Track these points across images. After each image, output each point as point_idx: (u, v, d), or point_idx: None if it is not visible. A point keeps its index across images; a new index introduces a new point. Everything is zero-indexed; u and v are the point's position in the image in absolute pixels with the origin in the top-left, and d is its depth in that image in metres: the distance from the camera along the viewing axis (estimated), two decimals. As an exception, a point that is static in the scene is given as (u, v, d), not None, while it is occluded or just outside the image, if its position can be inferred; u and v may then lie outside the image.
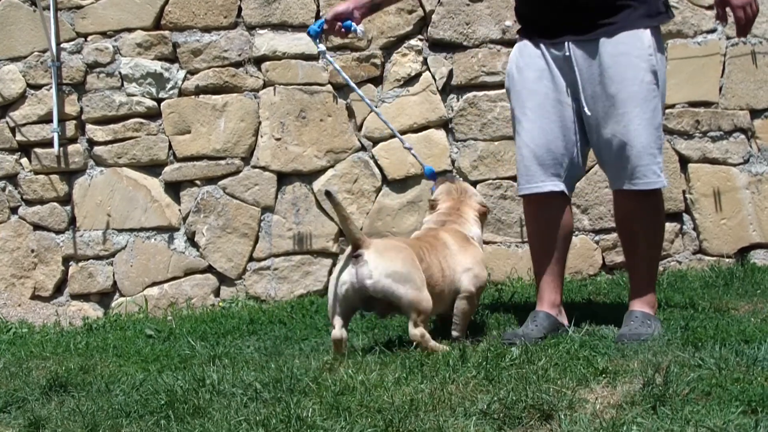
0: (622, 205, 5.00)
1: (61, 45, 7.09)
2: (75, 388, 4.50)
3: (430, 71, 7.02)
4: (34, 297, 7.11)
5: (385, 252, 4.58)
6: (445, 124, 7.03)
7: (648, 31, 4.86)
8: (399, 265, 4.54)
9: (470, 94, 6.98)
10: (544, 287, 5.04)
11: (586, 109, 4.87)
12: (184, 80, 7.05)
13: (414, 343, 4.49)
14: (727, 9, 4.87)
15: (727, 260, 6.96)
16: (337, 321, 4.59)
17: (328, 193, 4.52)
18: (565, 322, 5.01)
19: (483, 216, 5.31)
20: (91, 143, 7.06)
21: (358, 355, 4.48)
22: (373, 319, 5.57)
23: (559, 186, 4.97)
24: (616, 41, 4.82)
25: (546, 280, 5.03)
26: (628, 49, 4.81)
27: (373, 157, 7.02)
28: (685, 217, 7.06)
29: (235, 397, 3.88)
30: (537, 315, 4.96)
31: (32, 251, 7.09)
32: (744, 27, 4.87)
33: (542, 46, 4.97)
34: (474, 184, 6.93)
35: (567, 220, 5.10)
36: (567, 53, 4.88)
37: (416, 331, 4.49)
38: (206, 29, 7.07)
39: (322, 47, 5.46)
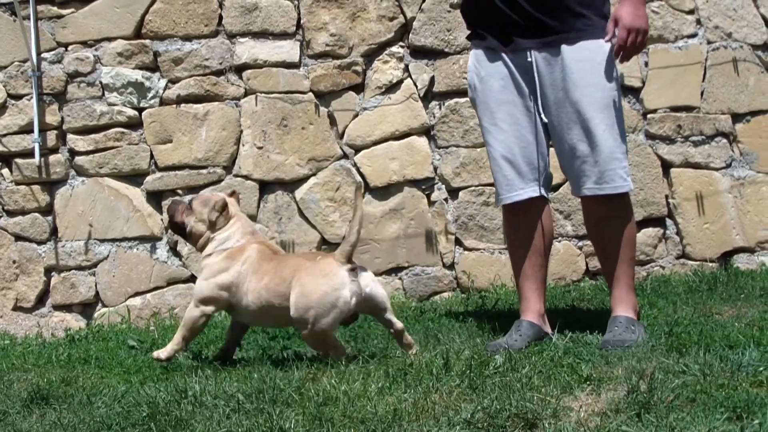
0: (593, 210, 5.01)
1: (42, 55, 7.06)
2: (56, 400, 4.48)
3: (411, 78, 7.01)
4: (16, 308, 7.07)
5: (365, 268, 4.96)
6: (427, 131, 7.02)
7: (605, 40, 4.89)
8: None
9: (452, 101, 6.98)
10: (528, 295, 5.03)
11: (542, 116, 4.92)
12: (165, 89, 7.03)
13: (401, 331, 4.82)
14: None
15: (710, 265, 6.96)
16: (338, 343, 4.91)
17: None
18: (549, 330, 5.00)
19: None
20: (73, 153, 7.03)
21: (341, 365, 4.46)
22: (355, 328, 5.56)
23: (537, 191, 4.98)
24: (579, 47, 4.84)
25: (530, 288, 5.03)
26: (591, 55, 4.83)
27: (355, 165, 7.01)
28: (668, 221, 7.06)
29: (218, 409, 3.86)
30: (521, 324, 4.95)
31: (14, 262, 7.05)
32: (624, 50, 4.85)
33: (503, 54, 4.97)
34: (456, 191, 6.94)
35: (548, 225, 5.11)
36: (529, 59, 4.89)
37: (401, 323, 4.90)
38: (187, 38, 7.04)
39: None
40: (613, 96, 4.86)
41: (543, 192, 5.01)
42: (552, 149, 5.11)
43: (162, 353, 5.13)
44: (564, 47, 4.84)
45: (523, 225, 5.07)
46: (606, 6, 5.00)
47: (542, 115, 4.90)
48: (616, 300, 4.96)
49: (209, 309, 5.10)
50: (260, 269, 4.97)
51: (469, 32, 5.24)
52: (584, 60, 4.82)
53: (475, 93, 5.09)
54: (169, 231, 6.83)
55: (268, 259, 5.01)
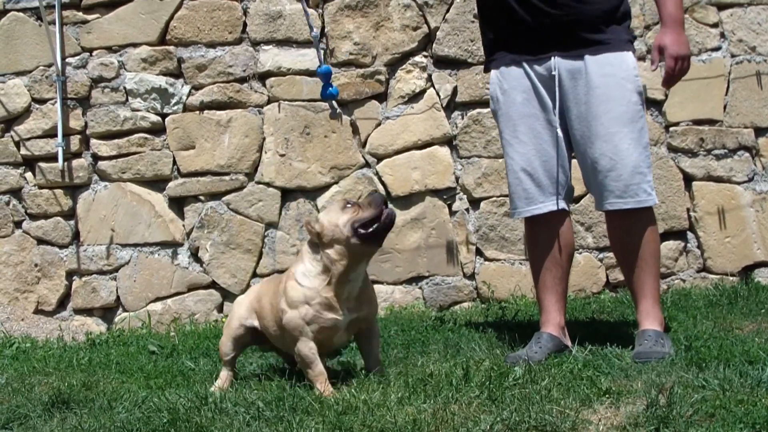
0: (617, 225, 4.99)
1: (66, 59, 7.11)
2: (77, 404, 4.49)
3: (434, 88, 7.02)
4: (38, 311, 7.11)
5: None
6: (449, 141, 7.03)
7: (630, 53, 4.91)
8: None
9: (474, 111, 6.99)
10: (549, 308, 5.02)
11: (558, 130, 4.90)
12: (188, 95, 7.06)
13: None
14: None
15: (731, 278, 6.94)
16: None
17: None
18: (569, 343, 4.99)
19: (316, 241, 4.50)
20: (96, 158, 7.07)
21: (361, 375, 4.47)
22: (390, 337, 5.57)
23: (559, 204, 4.97)
24: (602, 61, 4.83)
25: (550, 300, 5.02)
26: (614, 70, 4.83)
27: (377, 174, 7.02)
28: (689, 235, 7.05)
29: (238, 416, 3.87)
30: (541, 336, 4.94)
31: (36, 265, 7.09)
32: (671, 78, 4.89)
33: (525, 65, 4.97)
34: (478, 201, 6.94)
35: (569, 238, 5.09)
36: (553, 72, 4.89)
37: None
38: (211, 45, 7.08)
39: None
40: (636, 110, 4.85)
41: (564, 205, 5.00)
42: (574, 162, 5.11)
43: None
44: (588, 59, 4.84)
45: (543, 238, 5.07)
46: (627, 21, 5.01)
47: (558, 129, 4.90)
48: (642, 314, 4.93)
49: None
50: None
51: (487, 47, 5.22)
52: (608, 74, 4.82)
53: (498, 105, 5.09)
54: (191, 237, 6.86)
55: None
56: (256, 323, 4.66)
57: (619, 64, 4.85)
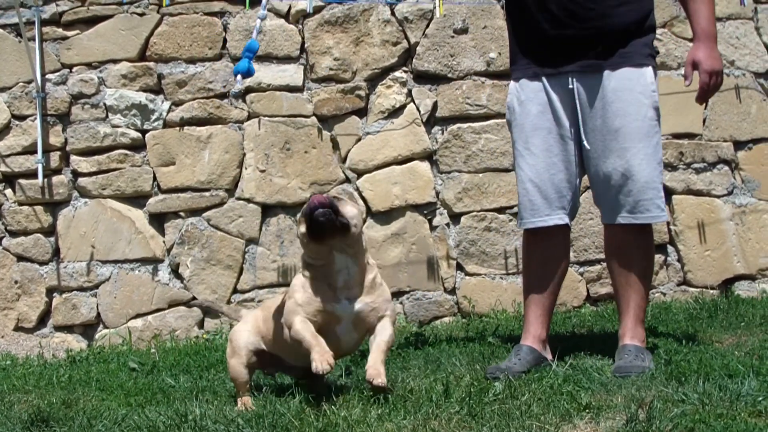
0: (617, 238, 4.99)
1: (46, 76, 7.10)
2: (57, 423, 4.45)
3: (414, 103, 7.04)
4: (18, 328, 7.08)
5: None
6: (429, 156, 7.04)
7: (650, 68, 4.91)
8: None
9: (454, 126, 7.00)
10: (532, 320, 5.02)
11: (585, 143, 4.90)
12: (168, 111, 7.06)
13: None
14: (696, 72, 4.91)
15: (711, 291, 6.97)
16: None
17: None
18: (549, 356, 4.99)
19: None
20: (76, 174, 7.06)
21: (341, 391, 4.46)
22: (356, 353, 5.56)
23: (564, 219, 4.98)
24: (620, 76, 4.83)
25: (535, 313, 5.02)
26: (631, 85, 4.83)
27: (357, 189, 7.03)
28: (669, 248, 7.07)
29: (218, 434, 3.86)
30: (521, 349, 4.94)
31: (16, 282, 7.06)
32: (706, 93, 4.93)
33: (544, 79, 4.97)
34: (458, 216, 6.95)
35: (565, 254, 5.11)
36: (570, 86, 4.90)
37: None
38: (191, 60, 7.08)
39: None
40: (652, 125, 4.86)
41: (567, 220, 5.02)
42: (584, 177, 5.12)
43: None
44: (606, 73, 4.84)
45: (540, 250, 5.07)
46: (650, 35, 5.01)
47: (585, 142, 4.90)
48: (624, 330, 4.93)
49: None
50: None
51: (511, 57, 5.23)
52: (624, 89, 4.83)
53: (513, 116, 5.09)
54: (171, 253, 6.86)
55: None
56: (262, 345, 4.62)
57: (637, 79, 4.85)
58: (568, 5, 4.87)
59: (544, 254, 5.06)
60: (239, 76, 5.33)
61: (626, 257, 4.95)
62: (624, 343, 4.87)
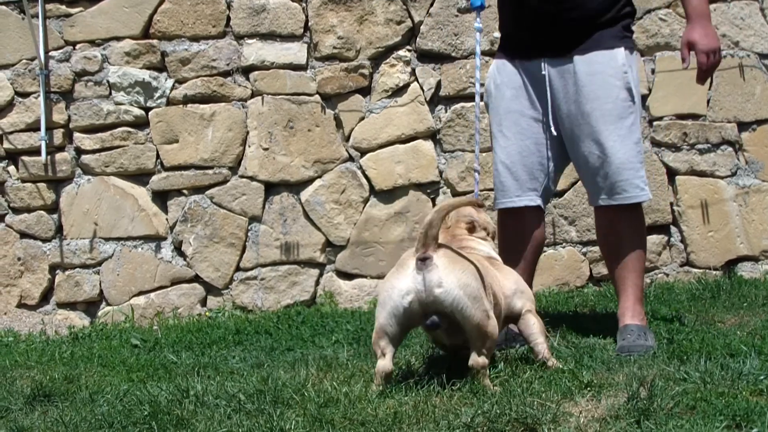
0: (604, 220, 5.02)
1: (50, 53, 7.08)
2: (59, 398, 4.48)
3: (418, 82, 7.02)
4: (21, 305, 7.09)
5: (457, 260, 3.94)
6: (432, 135, 7.03)
7: (621, 49, 4.94)
8: (472, 279, 3.91)
9: (458, 105, 6.99)
10: None
11: (552, 129, 4.97)
12: (172, 89, 7.04)
13: (472, 372, 3.91)
14: (692, 52, 4.92)
15: (714, 273, 6.95)
16: (388, 348, 3.97)
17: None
18: None
19: (485, 230, 4.56)
20: (79, 152, 7.05)
21: (343, 367, 4.47)
22: (358, 330, 5.57)
23: (535, 201, 5.02)
24: (590, 60, 4.89)
25: None
26: (602, 68, 4.88)
27: (360, 168, 7.02)
28: (673, 229, 7.06)
29: (219, 409, 3.86)
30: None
31: (19, 259, 7.06)
32: (705, 73, 4.93)
33: (517, 62, 5.01)
34: (461, 195, 6.93)
35: (539, 235, 5.14)
36: (543, 72, 4.93)
37: (480, 360, 3.89)
38: (195, 38, 7.06)
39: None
40: (625, 106, 4.87)
41: (539, 202, 5.03)
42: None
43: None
44: (576, 58, 4.88)
45: (512, 231, 5.09)
46: (627, 19, 5.02)
47: (552, 128, 4.93)
48: (623, 310, 4.95)
49: None
50: None
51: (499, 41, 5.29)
52: (596, 73, 4.86)
53: (489, 99, 5.14)
54: (174, 231, 6.87)
55: None
56: None
57: (607, 62, 4.88)
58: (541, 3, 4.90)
59: (517, 234, 5.10)
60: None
61: (617, 238, 4.98)
62: (625, 323, 4.89)
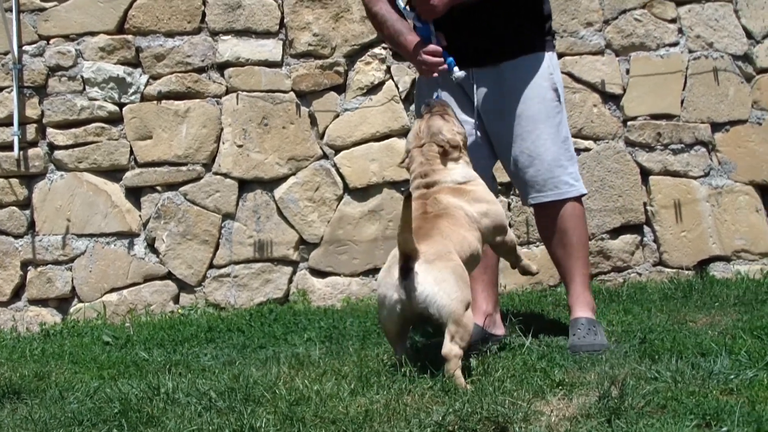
0: (543, 216, 5.08)
1: (23, 47, 7.04)
2: (29, 395, 4.47)
3: (393, 80, 7.02)
4: (-8, 302, 7.05)
5: (436, 261, 4.11)
6: (407, 133, 7.00)
7: (545, 53, 5.05)
8: (449, 275, 4.10)
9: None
10: (474, 297, 4.99)
11: (478, 132, 5.02)
12: (146, 85, 7.01)
13: (445, 361, 4.01)
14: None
15: (686, 272, 6.98)
16: (396, 341, 4.26)
17: (407, 196, 4.05)
18: (501, 331, 5.04)
19: (445, 156, 4.60)
20: (52, 147, 7.01)
21: (315, 365, 4.46)
22: (330, 328, 5.56)
23: None
24: (517, 64, 4.99)
25: (475, 289, 4.97)
26: (528, 71, 4.99)
27: (335, 166, 7.01)
28: (646, 229, 7.08)
29: (190, 406, 3.85)
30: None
31: (-10, 255, 7.03)
32: None
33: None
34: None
35: None
36: (471, 80, 4.95)
37: (454, 349, 4.00)
38: (170, 34, 7.03)
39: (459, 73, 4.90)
40: (552, 106, 5.00)
41: None
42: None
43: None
44: (504, 65, 4.97)
45: None
46: (546, 22, 5.13)
47: (478, 132, 4.98)
48: (572, 299, 5.04)
49: None
50: None
51: None
52: (523, 76, 4.99)
53: (419, 105, 5.16)
54: (147, 227, 6.85)
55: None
56: None
57: (533, 65, 5.02)
58: (465, 17, 4.93)
59: None
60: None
61: (560, 232, 5.07)
62: (576, 316, 4.97)
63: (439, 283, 4.05)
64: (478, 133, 5.03)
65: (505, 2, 4.94)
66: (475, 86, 5.00)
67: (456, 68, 4.81)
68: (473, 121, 5.01)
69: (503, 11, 4.94)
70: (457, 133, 4.64)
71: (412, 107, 7.00)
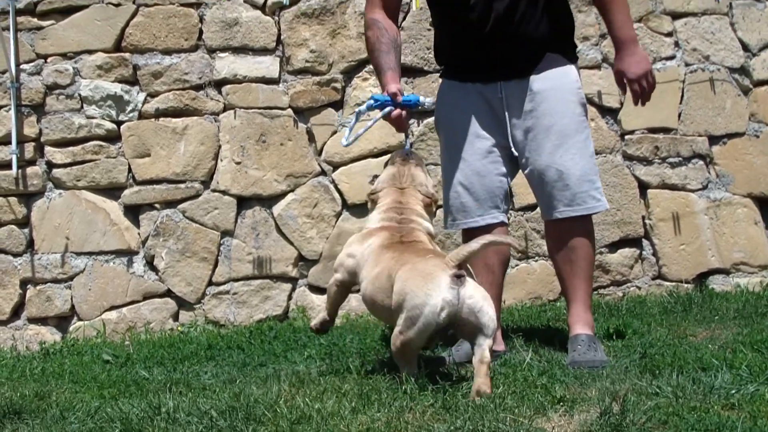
0: (560, 231, 5.07)
1: (21, 66, 7.04)
2: (29, 415, 4.44)
3: (390, 96, 7.02)
4: (-9, 320, 7.04)
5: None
6: (405, 149, 7.03)
7: (573, 67, 5.06)
8: (486, 292, 4.26)
9: (430, 119, 6.98)
10: None
11: (513, 150, 5.01)
12: (144, 103, 7.02)
13: (482, 367, 4.10)
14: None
15: (685, 285, 6.98)
16: (413, 360, 4.31)
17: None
18: (501, 347, 5.04)
19: (428, 207, 4.88)
20: (50, 165, 7.01)
21: (315, 383, 4.45)
22: (330, 345, 5.55)
23: (497, 218, 5.05)
24: (545, 77, 4.97)
25: None
26: (557, 84, 4.97)
27: (333, 182, 7.02)
28: (645, 242, 7.09)
29: (191, 426, 3.84)
30: (463, 341, 4.96)
31: (-11, 274, 7.02)
32: (642, 97, 5.00)
33: (470, 86, 5.02)
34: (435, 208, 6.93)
35: (505, 250, 5.15)
36: (500, 95, 4.95)
37: (488, 355, 4.14)
38: (167, 52, 7.04)
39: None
40: (580, 121, 4.99)
41: (502, 218, 5.06)
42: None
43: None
44: (532, 77, 4.94)
45: None
46: (571, 35, 5.16)
47: (513, 149, 4.97)
48: (573, 318, 5.03)
49: (338, 276, 4.83)
50: (378, 258, 4.52)
51: (439, 57, 5.28)
52: (552, 89, 4.95)
53: (440, 118, 5.16)
54: (146, 245, 6.84)
55: (389, 248, 4.52)
56: None
57: (561, 79, 4.99)
58: (494, 21, 4.92)
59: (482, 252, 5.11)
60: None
61: (569, 248, 5.06)
62: (576, 333, 4.96)
63: (485, 297, 4.19)
64: (514, 153, 5.02)
65: (534, 15, 4.93)
66: (504, 100, 4.99)
67: (426, 99, 4.90)
68: (491, 139, 5.00)
69: (534, 24, 4.93)
70: (433, 192, 4.89)
71: (410, 122, 7.00)
